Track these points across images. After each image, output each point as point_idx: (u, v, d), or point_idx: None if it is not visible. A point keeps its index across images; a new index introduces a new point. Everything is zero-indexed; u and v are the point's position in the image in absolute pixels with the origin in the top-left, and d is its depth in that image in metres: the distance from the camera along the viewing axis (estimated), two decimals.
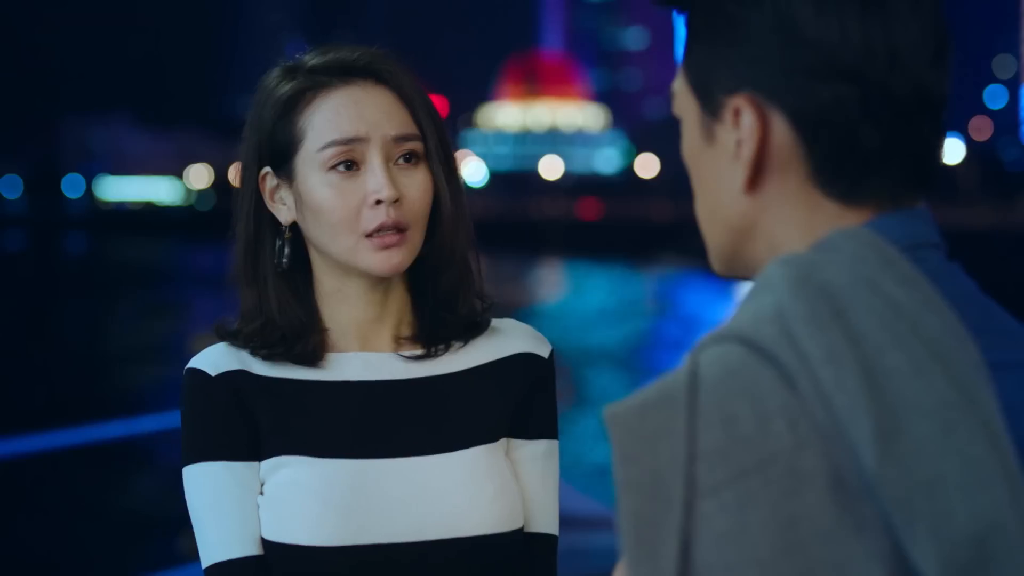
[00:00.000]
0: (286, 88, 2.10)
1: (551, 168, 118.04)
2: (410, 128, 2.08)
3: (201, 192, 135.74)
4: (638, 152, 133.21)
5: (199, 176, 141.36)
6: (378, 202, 2.04)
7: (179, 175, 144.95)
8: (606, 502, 7.81)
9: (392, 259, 2.05)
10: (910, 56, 1.27)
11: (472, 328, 2.15)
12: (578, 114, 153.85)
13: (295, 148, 2.09)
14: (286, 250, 2.12)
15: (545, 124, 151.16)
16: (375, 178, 2.05)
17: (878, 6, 1.27)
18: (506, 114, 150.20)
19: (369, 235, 2.04)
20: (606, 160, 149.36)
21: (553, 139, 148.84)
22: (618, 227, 71.66)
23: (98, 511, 12.35)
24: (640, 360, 24.57)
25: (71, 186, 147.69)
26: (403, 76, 2.09)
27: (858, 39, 1.26)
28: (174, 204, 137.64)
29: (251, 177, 2.13)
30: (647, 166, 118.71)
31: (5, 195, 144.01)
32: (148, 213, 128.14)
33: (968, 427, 1.10)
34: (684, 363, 1.14)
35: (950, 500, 1.08)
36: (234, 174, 2.18)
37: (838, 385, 1.09)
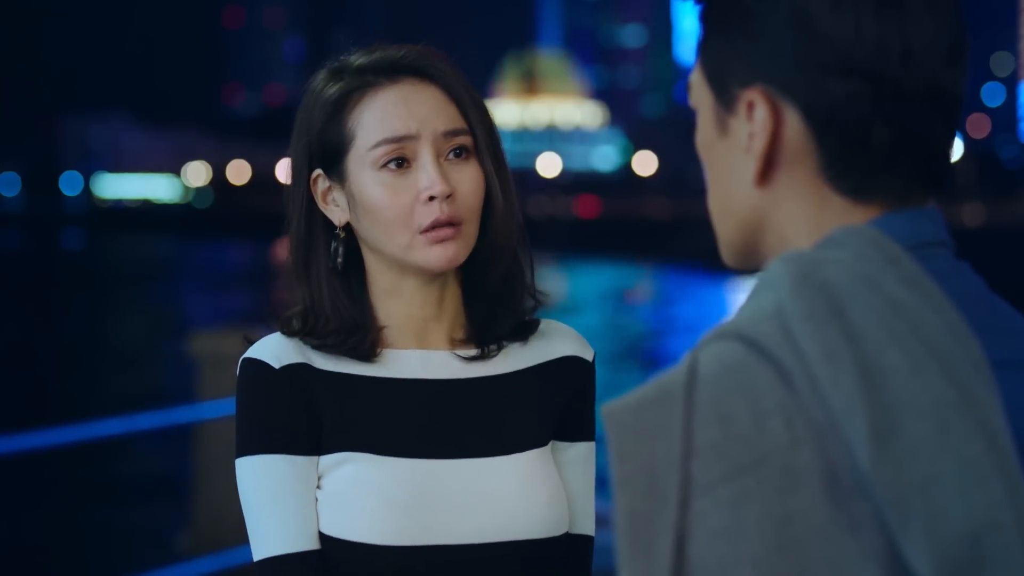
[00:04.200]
0: (334, 89, 2.09)
1: (549, 166, 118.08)
2: (459, 123, 2.08)
3: (199, 190, 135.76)
4: (636, 150, 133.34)
5: (197, 173, 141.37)
6: (431, 198, 2.04)
7: (177, 172, 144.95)
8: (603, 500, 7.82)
9: (448, 252, 2.04)
10: (924, 55, 1.27)
11: (524, 326, 2.16)
12: (576, 112, 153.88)
13: (346, 149, 2.09)
14: (340, 250, 2.12)
15: (543, 122, 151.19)
16: (427, 174, 2.04)
17: (894, 4, 1.27)
18: (504, 111, 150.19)
19: (423, 231, 2.04)
20: (604, 158, 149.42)
21: (551, 137, 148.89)
22: (617, 225, 71.67)
23: (98, 509, 12.35)
24: (637, 359, 24.58)
25: (69, 183, 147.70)
26: (449, 72, 2.09)
27: (873, 36, 1.26)
28: (172, 201, 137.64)
29: (302, 179, 2.13)
30: (645, 164, 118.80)
31: (3, 193, 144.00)
32: (146, 210, 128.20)
33: (965, 426, 1.10)
34: (684, 360, 1.15)
35: (945, 499, 1.08)
36: (283, 174, 2.17)
37: (834, 383, 1.10)
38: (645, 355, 25.27)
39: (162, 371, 22.18)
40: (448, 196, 2.04)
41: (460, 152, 2.08)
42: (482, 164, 2.09)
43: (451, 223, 2.04)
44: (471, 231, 2.07)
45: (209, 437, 7.60)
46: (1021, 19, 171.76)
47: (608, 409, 1.14)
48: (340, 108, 2.09)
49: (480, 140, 2.09)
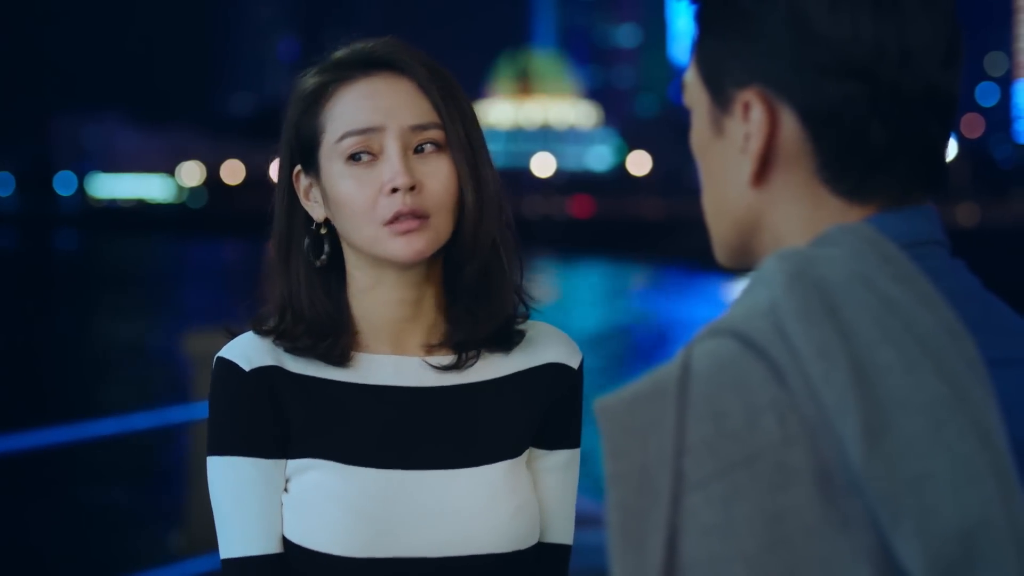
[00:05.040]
0: (311, 83, 2.09)
1: (543, 165, 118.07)
2: (429, 117, 2.05)
3: (192, 189, 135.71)
4: (630, 149, 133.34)
5: (191, 173, 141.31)
6: (394, 190, 2.02)
7: (171, 172, 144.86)
8: (594, 499, 7.82)
9: (413, 244, 2.02)
10: (921, 56, 1.28)
11: (508, 333, 2.12)
12: (570, 111, 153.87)
13: (318, 142, 2.08)
14: (325, 247, 2.10)
15: (537, 121, 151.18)
16: (391, 166, 2.02)
17: (891, 5, 1.27)
18: (498, 111, 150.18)
19: (387, 223, 2.02)
20: (598, 157, 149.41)
21: (545, 136, 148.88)
22: (611, 224, 71.66)
23: (92, 508, 12.34)
24: (631, 357, 24.58)
25: (63, 183, 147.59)
26: (423, 65, 2.07)
27: (870, 37, 1.26)
28: (166, 201, 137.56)
29: (285, 174, 2.12)
30: (639, 163, 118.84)
31: None
32: (140, 210, 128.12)
33: (958, 424, 1.10)
34: (677, 356, 1.15)
35: (937, 497, 1.08)
36: (274, 171, 2.16)
37: (827, 381, 1.10)
38: (636, 353, 25.27)
39: (156, 371, 22.16)
40: (412, 188, 2.02)
41: (429, 146, 2.05)
42: (454, 159, 2.06)
43: (414, 215, 2.02)
44: (440, 225, 2.04)
45: (203, 436, 7.58)
46: (1015, 19, 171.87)
47: (601, 404, 1.14)
48: (314, 102, 2.08)
49: (452, 135, 2.06)
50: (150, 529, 10.75)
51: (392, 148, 2.03)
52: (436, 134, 2.06)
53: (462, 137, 2.06)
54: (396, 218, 2.02)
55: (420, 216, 2.02)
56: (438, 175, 2.04)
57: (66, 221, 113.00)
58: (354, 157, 2.05)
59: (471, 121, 2.08)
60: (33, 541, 11.21)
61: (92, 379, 22.01)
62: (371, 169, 2.04)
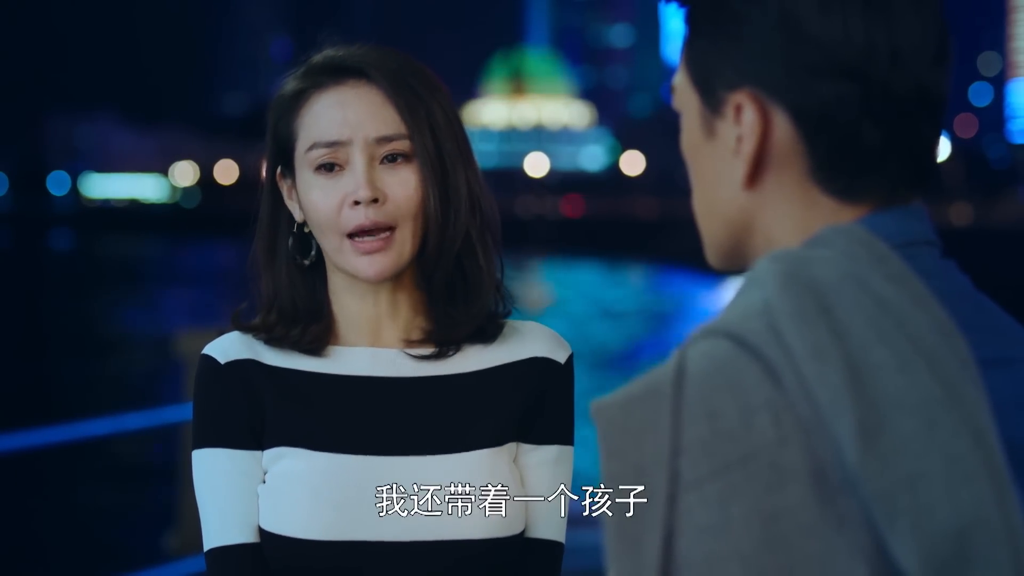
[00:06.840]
0: (289, 88, 2.12)
1: (536, 165, 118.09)
2: (395, 128, 2.07)
3: (186, 189, 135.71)
4: (623, 149, 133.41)
5: (184, 173, 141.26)
6: (356, 203, 2.04)
7: (164, 172, 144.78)
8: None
9: (375, 265, 2.05)
10: (912, 55, 1.28)
11: (485, 329, 2.14)
12: (563, 111, 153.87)
13: (293, 148, 2.11)
14: (313, 245, 2.12)
15: (530, 121, 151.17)
16: (354, 179, 2.05)
17: (881, 5, 1.28)
18: (491, 111, 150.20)
19: (352, 236, 2.05)
20: (591, 157, 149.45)
21: (538, 136, 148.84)
22: (604, 224, 71.73)
23: (84, 509, 12.33)
24: (626, 358, 24.59)
25: (56, 183, 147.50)
26: (393, 73, 2.08)
27: (861, 37, 1.27)
28: (159, 201, 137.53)
29: (270, 174, 2.15)
30: (632, 163, 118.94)
31: None
32: (133, 210, 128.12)
33: (952, 423, 1.11)
34: (672, 358, 1.15)
35: (932, 496, 1.09)
36: (263, 168, 2.19)
37: (821, 380, 1.10)
38: (629, 354, 25.28)
39: (149, 371, 22.14)
40: (375, 200, 2.04)
41: (395, 157, 2.07)
42: (420, 169, 2.07)
43: (377, 229, 2.04)
44: (405, 237, 2.06)
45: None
46: (1008, 19, 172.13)
47: (597, 406, 1.15)
48: (290, 108, 2.11)
49: (418, 145, 2.07)
50: (143, 529, 10.74)
51: (357, 160, 2.06)
52: (402, 145, 2.07)
53: (430, 147, 2.07)
54: (359, 232, 2.04)
55: (384, 228, 2.05)
56: (403, 186, 2.06)
57: (60, 221, 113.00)
58: (322, 167, 2.07)
59: (443, 129, 2.09)
60: (26, 541, 11.19)
61: (84, 380, 21.98)
62: (338, 180, 2.07)
